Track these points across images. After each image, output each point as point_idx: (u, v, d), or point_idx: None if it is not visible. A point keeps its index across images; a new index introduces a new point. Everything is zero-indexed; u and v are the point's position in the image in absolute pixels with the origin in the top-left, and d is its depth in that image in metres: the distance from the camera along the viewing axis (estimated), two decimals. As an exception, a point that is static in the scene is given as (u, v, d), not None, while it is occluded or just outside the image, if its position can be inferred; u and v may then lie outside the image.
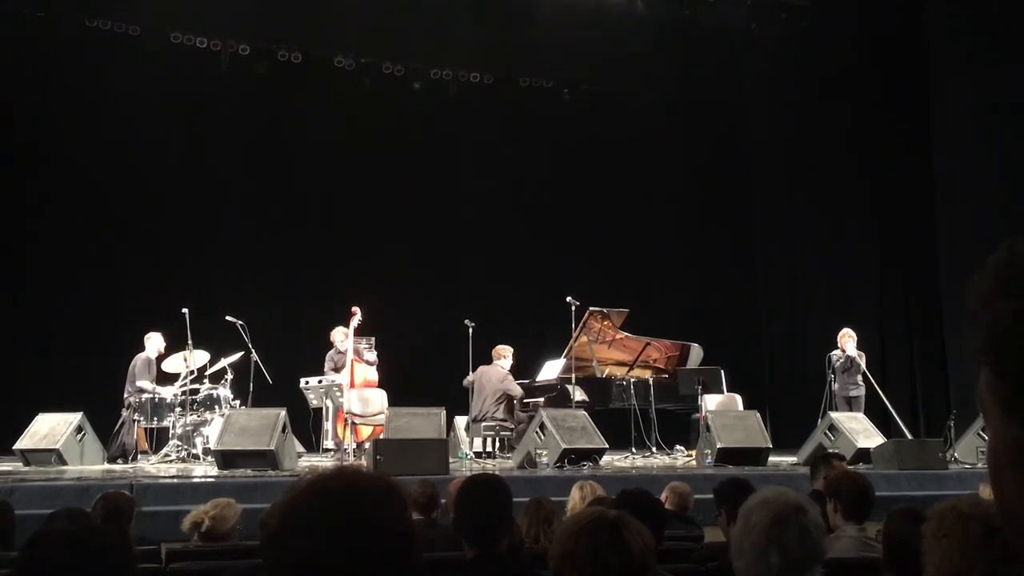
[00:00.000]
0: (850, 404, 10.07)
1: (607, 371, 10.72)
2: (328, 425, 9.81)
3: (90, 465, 8.61)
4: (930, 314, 12.44)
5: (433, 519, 4.77)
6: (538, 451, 8.20)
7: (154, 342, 9.68)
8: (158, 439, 9.43)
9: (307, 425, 9.89)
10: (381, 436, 8.41)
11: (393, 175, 13.57)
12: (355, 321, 10.04)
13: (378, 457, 7.39)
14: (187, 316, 9.15)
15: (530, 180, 14.25)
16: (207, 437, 9.04)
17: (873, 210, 13.26)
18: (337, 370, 9.99)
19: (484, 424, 9.76)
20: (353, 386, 9.74)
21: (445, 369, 10.91)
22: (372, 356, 10.19)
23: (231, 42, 12.86)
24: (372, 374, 10.05)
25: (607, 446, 8.63)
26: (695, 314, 13.49)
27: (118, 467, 8.70)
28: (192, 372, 9.39)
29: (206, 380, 9.61)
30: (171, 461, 8.93)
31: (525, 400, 10.12)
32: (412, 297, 13.02)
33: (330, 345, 10.19)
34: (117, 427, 9.35)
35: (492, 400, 9.78)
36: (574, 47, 13.58)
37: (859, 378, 10.21)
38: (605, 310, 10.46)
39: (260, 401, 9.27)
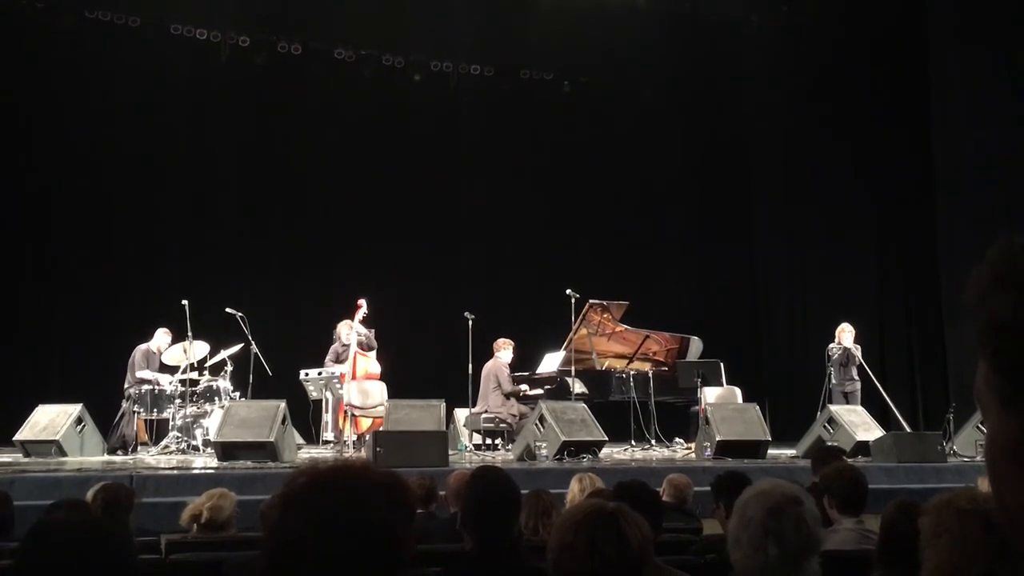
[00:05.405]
0: (847, 399, 10.09)
1: (607, 364, 10.71)
2: (328, 417, 9.80)
3: (90, 456, 8.60)
4: (929, 307, 12.44)
5: (431, 512, 4.78)
6: (537, 443, 8.20)
7: (159, 338, 9.68)
8: (158, 430, 9.43)
9: (307, 417, 9.88)
10: (381, 428, 8.42)
11: (393, 167, 13.54)
12: (360, 313, 10.02)
13: (378, 449, 7.39)
14: (187, 308, 9.15)
15: (530, 173, 14.22)
16: (207, 429, 9.04)
17: (873, 203, 13.25)
18: (339, 362, 9.97)
19: (483, 417, 9.77)
20: (355, 378, 9.73)
21: (444, 361, 10.89)
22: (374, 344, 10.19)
23: (231, 34, 12.81)
24: (374, 366, 10.02)
25: (606, 439, 8.65)
26: (695, 307, 13.49)
27: (118, 458, 8.69)
28: (192, 364, 9.40)
29: (206, 372, 9.61)
30: (171, 453, 8.93)
31: (526, 394, 10.13)
32: (412, 289, 13.00)
33: (332, 338, 10.17)
34: (117, 418, 9.35)
35: (491, 393, 9.79)
36: (575, 39, 13.55)
37: (855, 372, 10.23)
38: (605, 303, 10.45)
39: (260, 393, 9.26)
